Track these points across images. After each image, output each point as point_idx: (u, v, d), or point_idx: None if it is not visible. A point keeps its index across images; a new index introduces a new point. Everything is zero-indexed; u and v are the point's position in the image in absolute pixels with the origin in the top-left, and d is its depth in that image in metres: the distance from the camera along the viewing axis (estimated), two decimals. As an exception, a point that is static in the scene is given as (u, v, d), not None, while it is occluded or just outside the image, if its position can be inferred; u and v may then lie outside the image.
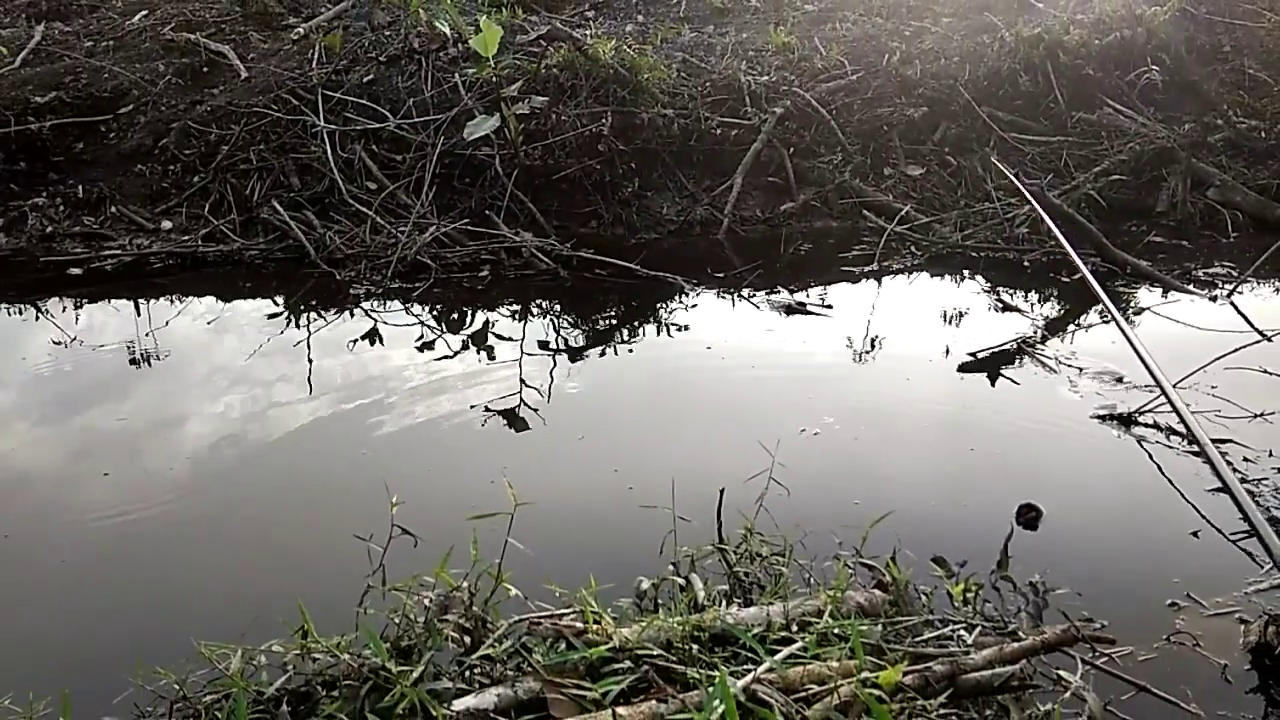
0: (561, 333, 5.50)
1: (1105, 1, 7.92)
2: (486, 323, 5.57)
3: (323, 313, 5.69)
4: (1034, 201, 5.78)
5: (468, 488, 3.74)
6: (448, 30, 7.32)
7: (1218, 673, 2.79)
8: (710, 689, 2.17)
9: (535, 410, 4.46)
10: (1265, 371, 4.29)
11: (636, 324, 5.64)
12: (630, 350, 5.26)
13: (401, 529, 2.69)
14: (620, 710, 2.16)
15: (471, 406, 4.49)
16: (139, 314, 5.75)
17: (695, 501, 3.27)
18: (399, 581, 2.57)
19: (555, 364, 5.02)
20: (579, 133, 6.80)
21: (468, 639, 2.43)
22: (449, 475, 3.97)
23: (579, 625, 2.41)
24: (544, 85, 7.06)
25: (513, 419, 4.40)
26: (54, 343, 5.35)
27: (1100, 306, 4.68)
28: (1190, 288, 5.66)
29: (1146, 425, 4.17)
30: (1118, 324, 3.99)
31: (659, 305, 5.73)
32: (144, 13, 8.81)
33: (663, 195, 7.02)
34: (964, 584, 2.92)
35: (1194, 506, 3.62)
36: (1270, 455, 3.91)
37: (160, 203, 6.88)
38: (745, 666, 2.32)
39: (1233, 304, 5.33)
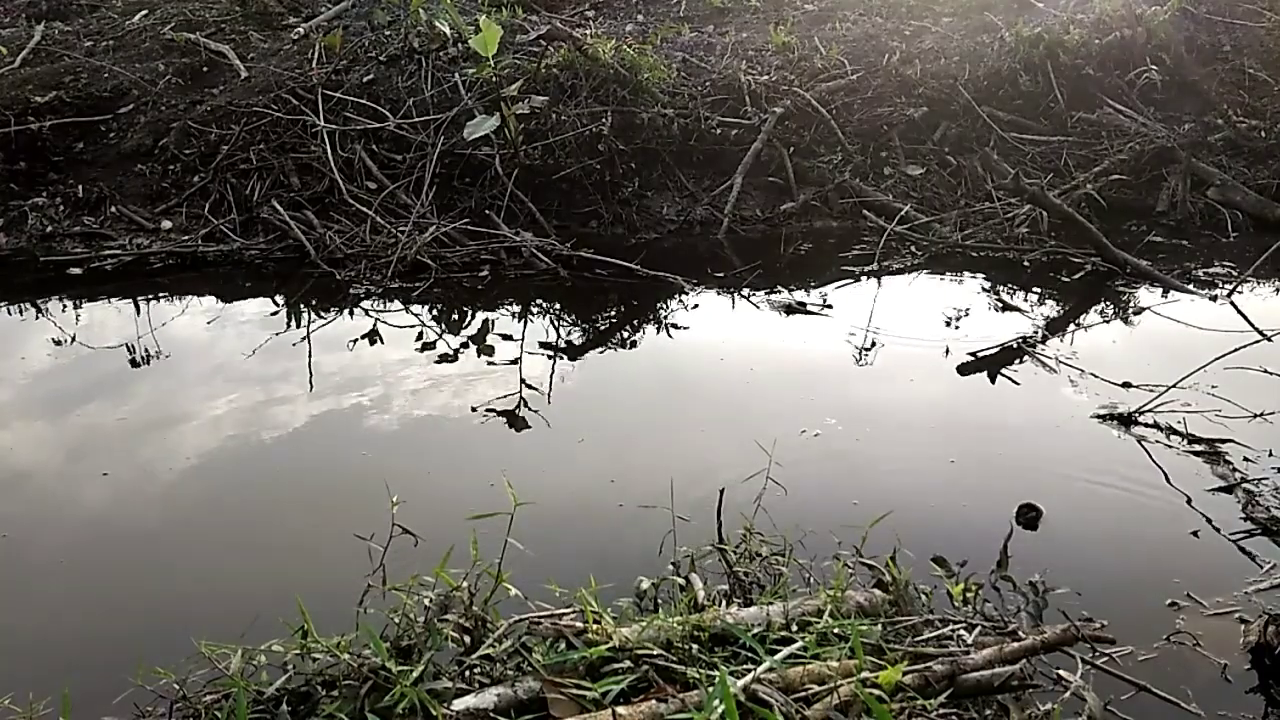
0: (561, 332, 5.50)
1: (1105, 1, 7.91)
2: (486, 322, 5.57)
3: (323, 312, 5.69)
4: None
5: (468, 488, 3.74)
6: (448, 30, 7.32)
7: (1218, 673, 2.79)
8: (710, 689, 2.17)
9: (535, 410, 4.46)
10: (1265, 371, 4.28)
11: (636, 324, 5.63)
12: (630, 350, 5.26)
13: (402, 528, 2.69)
14: (620, 710, 2.16)
15: (473, 409, 4.49)
16: (139, 314, 5.75)
17: (695, 501, 3.27)
18: (399, 581, 2.58)
19: (555, 364, 5.02)
20: (579, 133, 6.80)
21: (468, 639, 2.43)
22: (449, 475, 3.97)
23: (579, 625, 2.41)
24: (544, 85, 7.06)
25: (513, 419, 4.40)
26: (54, 342, 5.36)
27: (1100, 306, 4.67)
28: (1190, 288, 5.66)
29: (1146, 425, 4.17)
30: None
31: (659, 305, 5.73)
32: (144, 13, 8.81)
33: (663, 195, 7.02)
34: (964, 584, 2.92)
35: (1194, 506, 3.62)
36: (1270, 455, 3.92)
37: (160, 202, 6.88)
38: (745, 666, 2.33)
39: (1233, 304, 5.32)
